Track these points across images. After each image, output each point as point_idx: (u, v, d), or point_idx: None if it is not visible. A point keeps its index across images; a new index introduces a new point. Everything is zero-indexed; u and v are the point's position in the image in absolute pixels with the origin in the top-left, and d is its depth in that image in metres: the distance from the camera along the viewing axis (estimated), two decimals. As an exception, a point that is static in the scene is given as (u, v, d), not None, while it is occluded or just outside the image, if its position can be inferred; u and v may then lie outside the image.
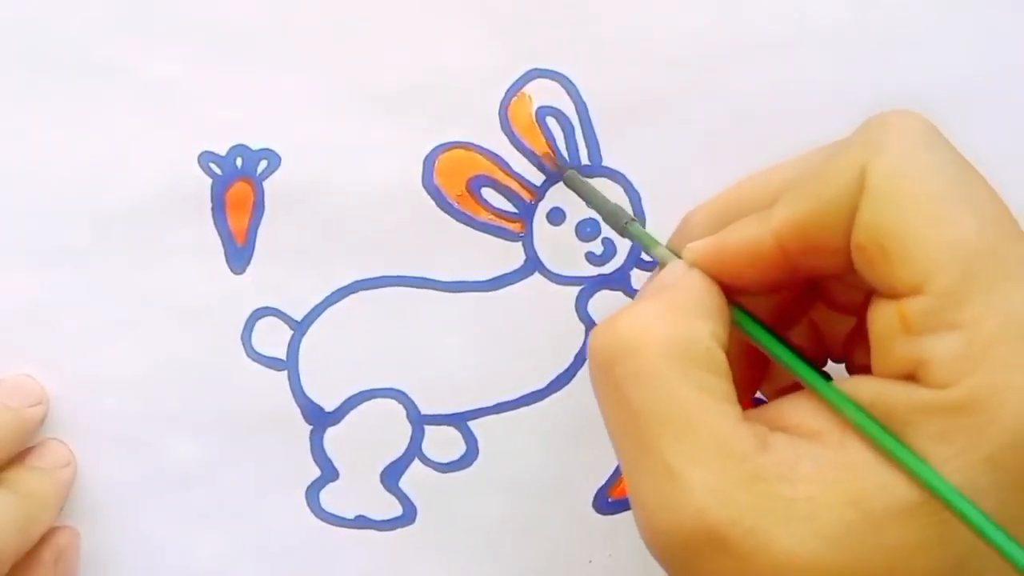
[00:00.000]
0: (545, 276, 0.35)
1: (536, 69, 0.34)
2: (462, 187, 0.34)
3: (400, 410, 0.35)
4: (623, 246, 0.34)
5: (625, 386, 0.24)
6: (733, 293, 0.26)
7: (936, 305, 0.23)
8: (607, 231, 0.34)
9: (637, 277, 0.34)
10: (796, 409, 0.25)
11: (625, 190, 0.34)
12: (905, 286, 0.23)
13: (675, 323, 0.25)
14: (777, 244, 0.25)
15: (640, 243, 0.30)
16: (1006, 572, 0.21)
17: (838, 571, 0.22)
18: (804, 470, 0.23)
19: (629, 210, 0.34)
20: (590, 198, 0.33)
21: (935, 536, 0.22)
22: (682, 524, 0.23)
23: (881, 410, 0.23)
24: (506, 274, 0.35)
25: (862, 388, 0.24)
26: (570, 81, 0.34)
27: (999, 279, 0.22)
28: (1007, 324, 0.22)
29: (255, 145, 0.34)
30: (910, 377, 0.23)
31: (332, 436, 0.35)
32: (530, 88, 0.34)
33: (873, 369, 0.24)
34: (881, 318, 0.24)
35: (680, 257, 0.27)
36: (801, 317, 0.29)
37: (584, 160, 0.34)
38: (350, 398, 0.35)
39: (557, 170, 0.34)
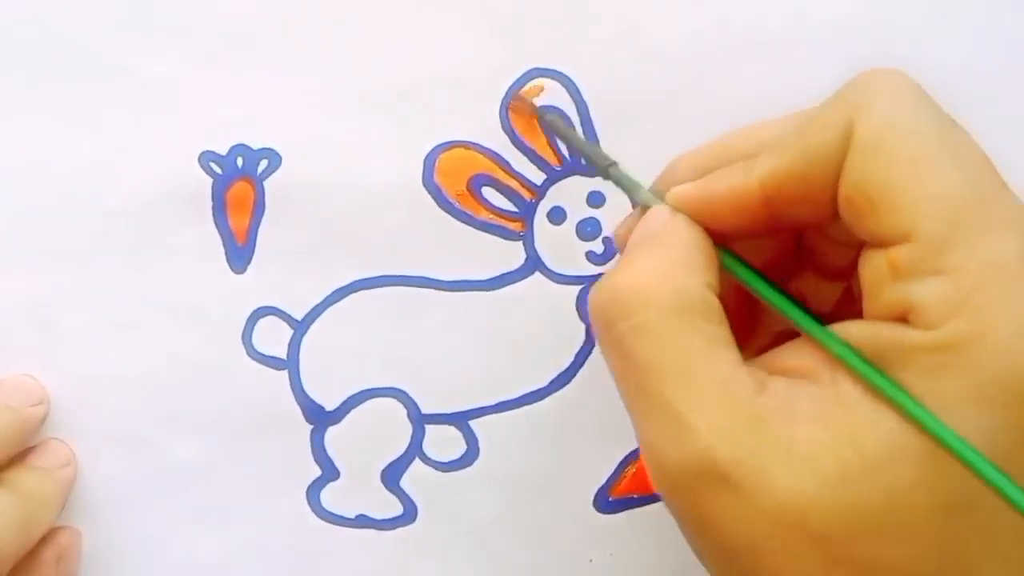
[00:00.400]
0: (546, 275, 0.35)
1: (536, 69, 0.34)
2: (462, 186, 0.34)
3: (401, 409, 0.35)
4: (624, 245, 0.34)
5: (627, 341, 0.25)
6: (717, 239, 0.27)
7: (923, 252, 0.23)
8: (608, 230, 0.34)
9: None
10: (789, 353, 0.26)
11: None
12: (893, 235, 0.24)
13: (669, 277, 0.25)
14: (761, 192, 0.26)
15: (623, 187, 0.30)
16: (1005, 504, 0.22)
17: (838, 510, 0.23)
18: (802, 409, 0.24)
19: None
20: (571, 141, 0.33)
21: (930, 472, 0.23)
22: (687, 463, 0.24)
23: (870, 349, 0.24)
24: (507, 273, 0.35)
25: (851, 329, 0.24)
26: (571, 81, 0.34)
27: (983, 227, 0.23)
28: (990, 269, 0.23)
29: (256, 145, 0.34)
30: (901, 319, 0.24)
31: (333, 435, 0.35)
32: (531, 87, 0.34)
33: (865, 315, 0.25)
34: (871, 266, 0.24)
35: (663, 201, 0.28)
36: (787, 283, 0.30)
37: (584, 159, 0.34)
38: (351, 397, 0.35)
39: (532, 115, 0.34)
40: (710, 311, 0.25)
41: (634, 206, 0.29)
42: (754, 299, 0.28)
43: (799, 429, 0.23)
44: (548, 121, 0.34)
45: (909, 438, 0.23)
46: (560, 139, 0.34)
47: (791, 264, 0.30)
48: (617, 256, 0.34)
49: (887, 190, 0.24)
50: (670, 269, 0.26)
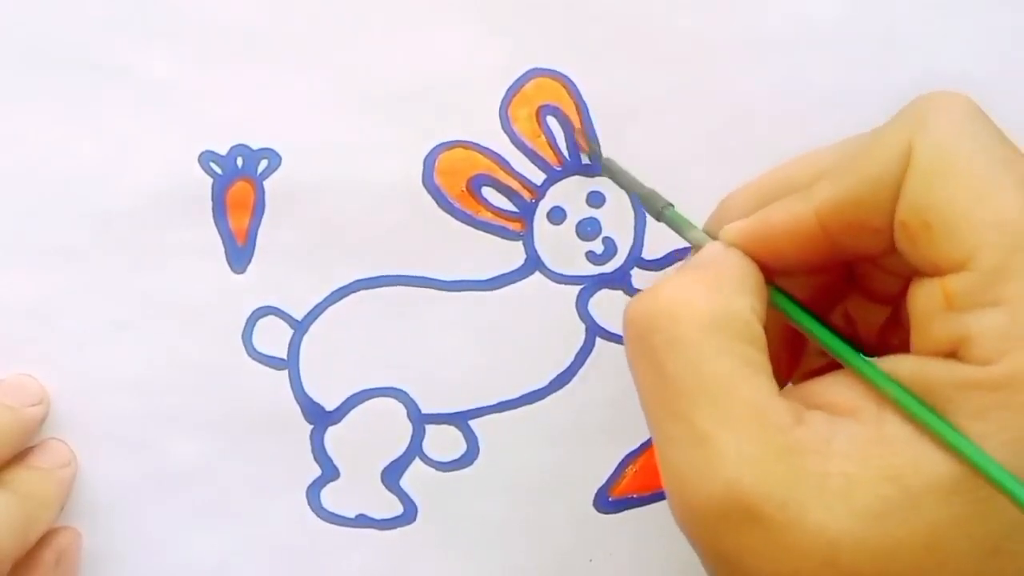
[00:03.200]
0: (545, 275, 0.35)
1: (536, 69, 0.34)
2: (462, 186, 0.34)
3: (401, 409, 0.35)
4: (623, 245, 0.34)
5: (662, 354, 0.24)
6: (770, 274, 0.26)
7: (980, 281, 0.22)
8: (607, 230, 0.34)
9: (638, 276, 0.34)
10: (831, 387, 0.25)
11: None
12: (949, 262, 0.23)
13: (715, 295, 0.24)
14: (819, 222, 0.25)
15: (676, 228, 0.30)
16: None
17: (873, 547, 0.22)
18: (839, 446, 0.23)
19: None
20: (626, 183, 0.33)
21: (974, 513, 0.22)
22: (713, 494, 0.23)
23: (921, 387, 0.23)
24: (506, 273, 0.35)
25: (901, 365, 0.23)
26: (571, 81, 0.34)
27: None
28: None
29: (255, 145, 0.34)
30: (951, 355, 0.23)
31: (333, 435, 0.35)
32: (530, 87, 0.34)
33: (912, 348, 0.24)
34: (923, 296, 0.24)
35: (717, 239, 0.27)
36: (835, 306, 0.29)
37: (584, 160, 0.34)
38: (351, 397, 0.35)
39: (590, 155, 0.34)
40: (752, 336, 0.24)
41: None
42: (794, 339, 0.27)
43: (835, 465, 0.22)
44: (606, 163, 0.33)
45: (956, 477, 0.22)
46: (615, 181, 0.33)
47: (839, 289, 0.29)
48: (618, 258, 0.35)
49: (944, 215, 0.23)
50: (716, 287, 0.25)
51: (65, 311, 0.34)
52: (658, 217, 0.30)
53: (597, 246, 0.35)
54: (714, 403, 0.23)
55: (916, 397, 0.23)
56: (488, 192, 0.34)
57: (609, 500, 0.35)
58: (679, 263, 0.29)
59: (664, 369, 0.24)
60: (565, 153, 0.34)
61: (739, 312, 0.24)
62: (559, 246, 0.34)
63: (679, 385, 0.24)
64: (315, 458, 0.35)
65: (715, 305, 0.24)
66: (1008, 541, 0.22)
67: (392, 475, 0.35)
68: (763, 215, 0.26)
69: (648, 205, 0.31)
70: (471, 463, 0.35)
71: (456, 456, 0.35)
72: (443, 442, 0.35)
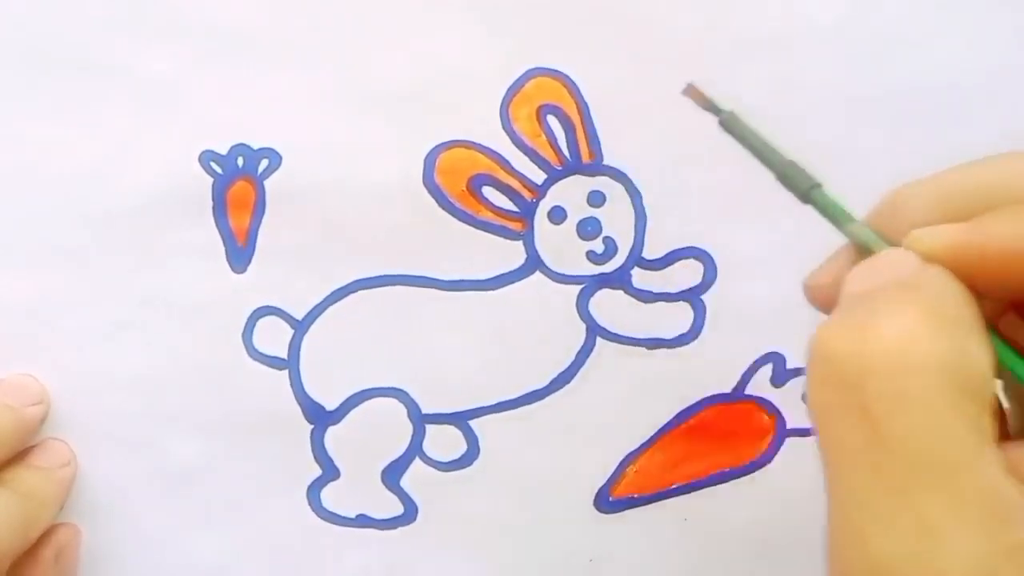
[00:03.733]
0: (546, 275, 0.35)
1: (536, 68, 0.34)
2: (463, 186, 0.34)
3: (401, 409, 0.35)
4: (624, 245, 0.34)
5: (878, 408, 0.19)
6: None
7: None
8: (608, 229, 0.34)
9: (638, 276, 0.34)
10: None
11: (626, 188, 0.34)
12: None
13: (948, 340, 0.19)
14: None
15: (827, 215, 0.24)
16: None
17: None
18: None
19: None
20: (756, 148, 0.25)
21: None
22: None
23: None
24: (507, 273, 0.35)
25: None
26: (571, 80, 0.34)
27: None
28: None
29: (256, 144, 0.34)
30: None
31: (333, 435, 0.35)
32: (531, 87, 0.34)
33: None
34: None
35: (888, 244, 0.22)
36: None
37: (585, 159, 0.34)
38: (351, 397, 0.35)
39: (710, 110, 0.27)
40: (988, 396, 0.19)
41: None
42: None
43: None
44: (724, 120, 0.26)
45: None
46: (740, 141, 0.26)
47: None
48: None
49: None
50: (946, 328, 0.19)
51: (65, 311, 0.34)
52: (804, 199, 0.24)
53: (598, 245, 0.35)
54: (943, 483, 0.19)
55: None
56: (488, 192, 0.34)
57: (609, 500, 0.35)
58: (838, 272, 0.23)
59: (881, 428, 0.19)
60: (565, 152, 0.34)
61: (978, 365, 0.19)
62: (560, 246, 0.34)
63: (902, 454, 0.19)
64: (315, 458, 0.35)
65: (950, 354, 0.19)
66: None
67: (392, 475, 0.35)
68: (981, 227, 0.21)
69: (789, 183, 0.24)
70: (471, 463, 0.35)
71: (456, 456, 0.35)
72: (443, 442, 0.35)
